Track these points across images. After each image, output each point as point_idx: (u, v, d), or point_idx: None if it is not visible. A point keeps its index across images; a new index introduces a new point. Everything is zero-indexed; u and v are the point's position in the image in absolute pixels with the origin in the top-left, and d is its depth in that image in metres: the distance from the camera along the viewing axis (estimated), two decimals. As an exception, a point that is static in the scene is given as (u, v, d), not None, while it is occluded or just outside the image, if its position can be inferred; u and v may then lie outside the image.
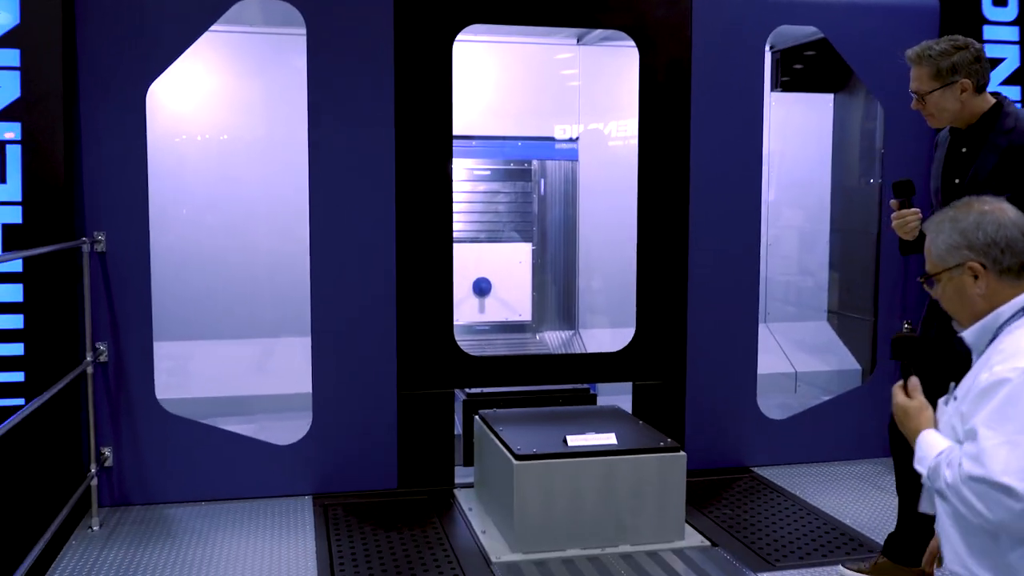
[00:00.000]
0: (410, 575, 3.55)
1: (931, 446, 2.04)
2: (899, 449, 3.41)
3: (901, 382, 2.21)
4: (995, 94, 3.25)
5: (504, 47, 5.91)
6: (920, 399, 2.17)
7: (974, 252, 2.05)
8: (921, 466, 2.06)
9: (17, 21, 3.85)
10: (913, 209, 3.31)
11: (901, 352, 2.31)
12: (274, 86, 5.50)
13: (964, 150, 3.22)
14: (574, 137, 6.19)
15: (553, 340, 6.23)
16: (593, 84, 6.18)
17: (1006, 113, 3.16)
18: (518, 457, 3.75)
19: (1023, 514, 1.83)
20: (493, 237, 6.11)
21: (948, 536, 2.07)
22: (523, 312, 6.13)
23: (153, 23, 4.11)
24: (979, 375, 1.96)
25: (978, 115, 3.19)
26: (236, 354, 5.27)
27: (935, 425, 2.12)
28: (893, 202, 3.34)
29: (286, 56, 5.36)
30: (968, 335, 2.10)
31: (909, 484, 3.39)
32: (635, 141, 6.00)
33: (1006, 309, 2.03)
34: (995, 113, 3.17)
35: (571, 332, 6.33)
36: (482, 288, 6.01)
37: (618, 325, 6.13)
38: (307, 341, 4.48)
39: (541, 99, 6.16)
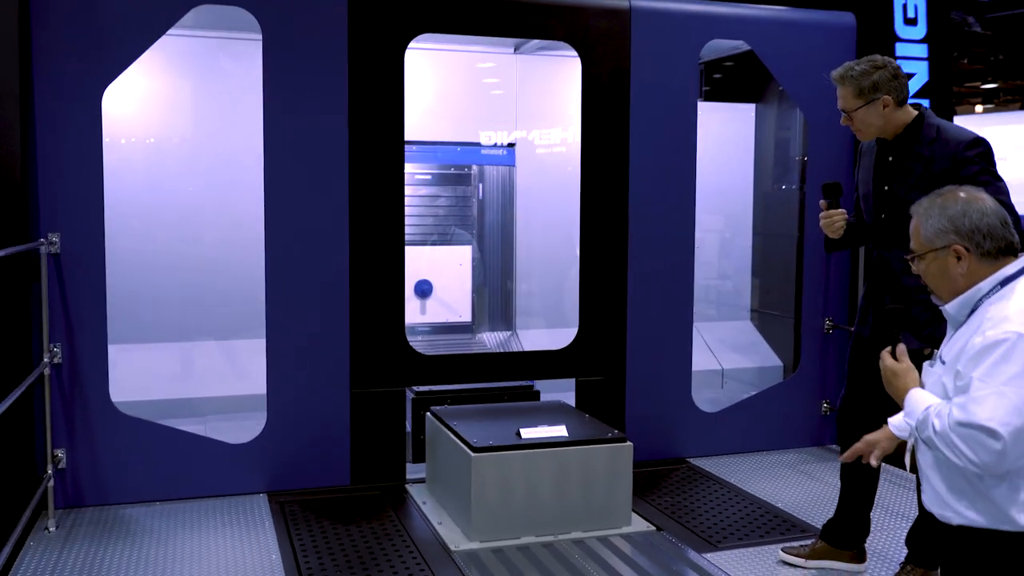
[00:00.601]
0: (373, 565, 3.68)
1: (919, 402, 2.30)
2: (847, 439, 3.67)
3: (889, 348, 2.45)
4: (917, 106, 3.55)
5: (443, 55, 6.06)
6: (907, 362, 2.42)
7: (960, 237, 2.30)
8: (911, 418, 2.31)
9: (-29, 22, 3.85)
10: (840, 210, 3.59)
11: (892, 321, 2.57)
12: (223, 89, 5.54)
13: (890, 159, 3.52)
14: (511, 143, 6.38)
15: (492, 340, 6.40)
16: (529, 92, 6.38)
17: (928, 124, 3.46)
18: (475, 449, 3.91)
19: (1003, 454, 2.10)
20: (434, 240, 6.26)
21: (931, 482, 2.33)
22: (463, 313, 6.29)
23: (110, 26, 4.15)
24: (971, 339, 2.21)
25: (901, 127, 3.48)
26: (189, 356, 5.29)
27: (920, 385, 2.38)
28: (822, 202, 3.61)
29: (237, 60, 5.43)
30: (951, 307, 2.35)
31: (852, 473, 3.67)
32: (569, 148, 6.25)
33: (984, 284, 2.29)
34: (918, 124, 3.46)
35: (509, 333, 6.51)
36: (423, 290, 6.15)
37: (554, 326, 6.35)
38: (259, 343, 4.56)
39: (479, 106, 6.33)
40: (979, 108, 21.98)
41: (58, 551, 3.78)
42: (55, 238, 4.12)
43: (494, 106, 6.35)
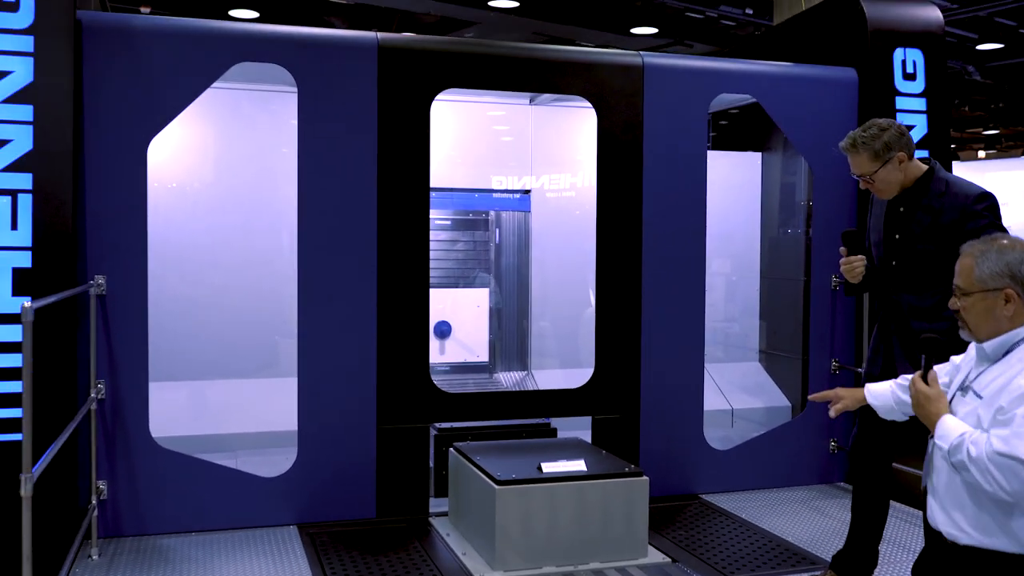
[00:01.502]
0: (403, 592, 3.86)
1: (953, 429, 2.48)
2: (859, 475, 3.88)
3: (919, 373, 2.64)
4: (926, 160, 3.79)
5: (462, 105, 6.34)
6: (938, 388, 2.61)
7: (1015, 282, 2.49)
8: (943, 441, 2.49)
9: (31, 79, 4.12)
10: (860, 256, 3.81)
11: (926, 349, 2.70)
12: (258, 138, 5.82)
13: (902, 210, 3.75)
14: (527, 189, 6.64)
15: (508, 380, 6.61)
16: (544, 141, 6.66)
17: (937, 178, 3.70)
18: (499, 482, 4.11)
19: None
20: (452, 283, 6.50)
21: (947, 502, 2.53)
22: (480, 354, 6.51)
23: (156, 83, 4.43)
24: (1015, 379, 2.41)
25: (912, 180, 3.72)
26: (222, 393, 5.51)
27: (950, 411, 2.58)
28: (842, 249, 3.84)
29: (268, 110, 5.71)
30: (988, 346, 2.54)
31: (864, 507, 3.86)
32: (580, 194, 6.50)
33: (1022, 329, 2.50)
34: (928, 178, 3.71)
35: (524, 372, 6.72)
36: (443, 331, 6.37)
37: (568, 366, 6.55)
38: (288, 381, 4.78)
39: (496, 153, 6.60)
40: (981, 154, 22.31)
41: (102, 578, 3.97)
42: (101, 280, 4.37)
43: (510, 154, 6.62)
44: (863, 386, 3.11)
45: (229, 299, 5.68)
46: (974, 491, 2.45)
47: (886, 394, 2.98)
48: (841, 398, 3.10)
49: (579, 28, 12.21)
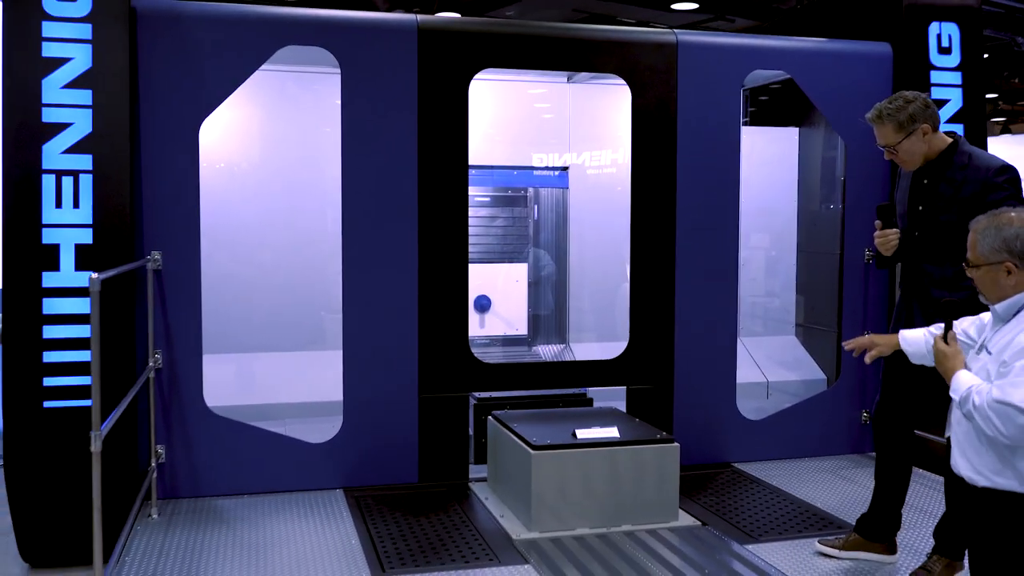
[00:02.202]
0: (443, 550, 4.07)
1: (964, 381, 2.72)
2: (882, 442, 4.01)
3: (940, 333, 2.90)
4: (951, 134, 3.87)
5: (501, 84, 6.49)
6: (956, 346, 2.86)
7: (1012, 256, 2.70)
8: (955, 394, 2.74)
9: (90, 65, 4.34)
10: (894, 229, 3.90)
11: (948, 311, 2.94)
12: (303, 119, 6.02)
13: (925, 182, 3.84)
14: (564, 166, 6.77)
15: (547, 352, 6.78)
16: (581, 118, 6.78)
17: (960, 152, 3.78)
18: (535, 448, 4.29)
19: None
20: (493, 258, 6.67)
21: (967, 448, 2.75)
22: (520, 327, 6.69)
23: (206, 67, 4.64)
24: (1018, 337, 2.63)
25: (936, 153, 3.81)
26: (271, 365, 5.76)
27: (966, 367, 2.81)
28: (877, 223, 3.94)
29: (313, 92, 5.91)
30: (999, 308, 2.76)
31: (887, 473, 3.99)
32: (618, 171, 6.63)
33: None
34: (951, 151, 3.79)
35: (562, 345, 6.89)
36: (483, 305, 6.56)
37: (605, 339, 6.70)
38: (333, 354, 5.00)
39: (534, 131, 6.74)
40: (1033, 126, 21.87)
41: (163, 535, 4.23)
42: (158, 256, 4.61)
43: (548, 131, 6.76)
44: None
45: (277, 276, 5.91)
46: (986, 436, 2.66)
47: (919, 341, 3.23)
48: (876, 344, 3.43)
49: (619, 4, 12.25)
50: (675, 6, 12.19)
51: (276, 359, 5.82)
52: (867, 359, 3.44)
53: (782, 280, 7.25)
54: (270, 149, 6.05)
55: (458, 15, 12.50)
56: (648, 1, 12.10)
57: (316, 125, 5.93)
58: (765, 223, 7.20)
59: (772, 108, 7.14)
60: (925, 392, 3.81)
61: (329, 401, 5.19)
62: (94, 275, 2.93)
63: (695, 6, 12.16)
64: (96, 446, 2.91)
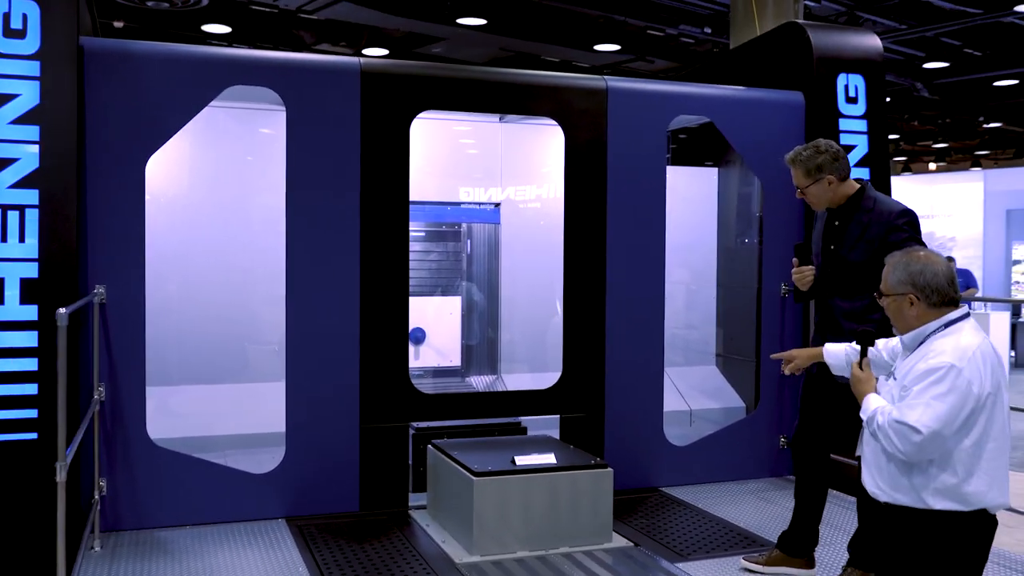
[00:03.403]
0: (388, 575, 4.20)
1: (872, 403, 3.02)
2: (800, 465, 4.31)
3: (857, 360, 3.19)
4: (859, 180, 4.24)
5: (435, 123, 6.69)
6: (869, 372, 3.15)
7: (915, 289, 2.99)
8: (864, 414, 3.04)
9: (37, 101, 4.41)
10: (810, 266, 4.24)
11: (864, 339, 3.25)
12: (247, 154, 6.13)
13: (836, 223, 4.20)
14: (497, 202, 7.01)
15: (479, 383, 6.96)
16: (513, 156, 7.03)
17: (867, 197, 4.16)
18: (476, 474, 4.47)
19: (920, 447, 2.83)
20: (427, 291, 6.84)
21: (870, 467, 3.04)
22: (453, 359, 6.86)
23: (155, 104, 4.75)
24: (917, 364, 2.93)
25: (844, 198, 4.17)
26: (212, 397, 5.80)
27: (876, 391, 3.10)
28: (794, 260, 4.28)
29: (257, 128, 6.03)
30: (906, 338, 3.06)
31: (805, 493, 4.29)
32: (549, 206, 6.88)
33: (931, 325, 2.99)
34: (859, 196, 4.16)
35: (494, 376, 7.08)
36: (417, 337, 6.71)
37: (535, 370, 6.92)
38: (273, 386, 5.10)
39: (467, 168, 6.97)
40: (932, 166, 23.07)
41: (107, 566, 4.26)
42: (102, 289, 4.66)
43: (480, 168, 6.99)
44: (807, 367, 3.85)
45: (220, 308, 5.97)
46: (887, 454, 2.96)
47: (840, 354, 3.55)
48: (794, 357, 3.84)
49: (544, 44, 12.64)
50: (597, 47, 12.65)
51: (216, 391, 5.88)
52: (785, 370, 3.83)
53: (702, 312, 7.56)
54: (214, 182, 6.13)
55: (386, 51, 12.75)
56: (572, 41, 12.53)
57: (261, 160, 6.04)
58: (686, 258, 7.52)
59: (691, 148, 7.50)
60: (839, 419, 4.15)
61: (267, 432, 5.28)
62: (62, 310, 3.03)
63: (617, 47, 12.64)
64: (61, 476, 2.99)
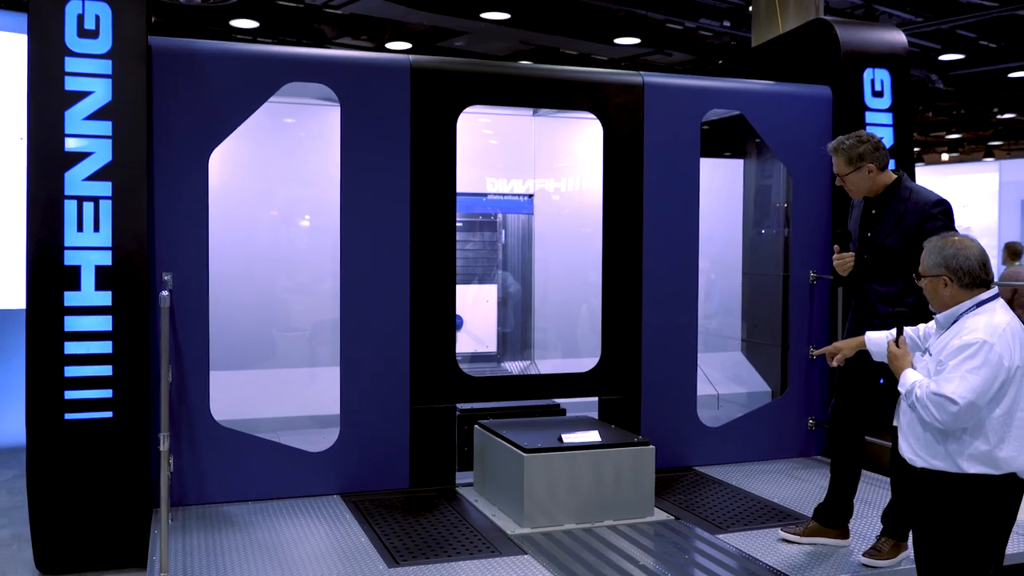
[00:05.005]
0: (448, 545, 4.46)
1: (910, 377, 3.27)
2: (836, 442, 4.55)
3: (893, 337, 3.45)
4: (896, 170, 4.46)
5: (473, 118, 6.92)
6: (905, 349, 3.41)
7: (948, 271, 3.25)
8: (902, 388, 3.28)
9: (110, 98, 4.66)
10: (850, 253, 4.46)
11: (900, 319, 3.51)
12: (304, 148, 6.37)
13: (873, 212, 4.42)
14: (530, 194, 7.24)
15: (514, 368, 7.21)
16: (546, 148, 7.26)
17: (904, 187, 4.37)
18: (526, 451, 4.71)
19: (957, 416, 3.06)
20: (464, 280, 7.08)
21: (909, 434, 3.28)
22: (490, 344, 7.11)
23: (217, 100, 4.99)
24: (952, 340, 3.18)
25: (882, 187, 4.39)
26: (271, 380, 6.07)
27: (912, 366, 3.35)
28: (835, 247, 4.50)
29: (314, 122, 6.27)
30: (940, 317, 3.31)
31: (841, 467, 4.52)
32: (580, 198, 7.12)
33: (964, 304, 3.24)
34: (896, 186, 4.38)
35: (528, 362, 7.32)
36: (455, 324, 6.95)
37: (568, 356, 7.17)
38: (329, 370, 5.35)
39: (504, 160, 7.20)
40: (945, 156, 23.22)
41: (181, 536, 4.52)
42: (167, 276, 4.90)
43: (515, 160, 7.22)
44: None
45: (279, 297, 6.24)
46: (924, 423, 3.20)
47: (881, 341, 3.74)
48: (839, 349, 4.06)
49: (565, 38, 12.84)
50: (617, 40, 12.84)
51: (277, 375, 6.14)
52: (833, 363, 4.04)
53: (727, 300, 7.80)
54: (272, 176, 6.37)
55: (408, 44, 12.96)
56: (591, 35, 12.73)
57: (319, 154, 6.27)
58: (711, 248, 7.74)
59: (711, 139, 7.69)
60: (873, 400, 4.39)
61: (324, 415, 5.54)
62: (164, 293, 3.27)
63: (636, 41, 12.84)
64: (165, 445, 3.24)
